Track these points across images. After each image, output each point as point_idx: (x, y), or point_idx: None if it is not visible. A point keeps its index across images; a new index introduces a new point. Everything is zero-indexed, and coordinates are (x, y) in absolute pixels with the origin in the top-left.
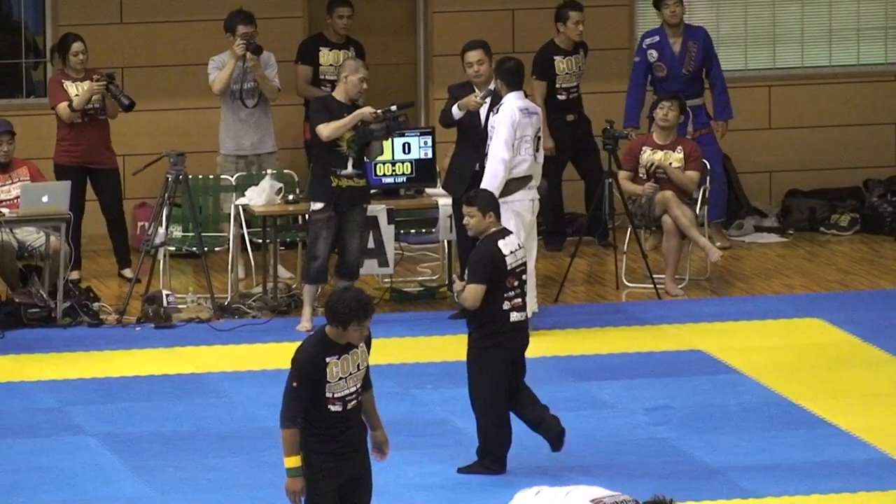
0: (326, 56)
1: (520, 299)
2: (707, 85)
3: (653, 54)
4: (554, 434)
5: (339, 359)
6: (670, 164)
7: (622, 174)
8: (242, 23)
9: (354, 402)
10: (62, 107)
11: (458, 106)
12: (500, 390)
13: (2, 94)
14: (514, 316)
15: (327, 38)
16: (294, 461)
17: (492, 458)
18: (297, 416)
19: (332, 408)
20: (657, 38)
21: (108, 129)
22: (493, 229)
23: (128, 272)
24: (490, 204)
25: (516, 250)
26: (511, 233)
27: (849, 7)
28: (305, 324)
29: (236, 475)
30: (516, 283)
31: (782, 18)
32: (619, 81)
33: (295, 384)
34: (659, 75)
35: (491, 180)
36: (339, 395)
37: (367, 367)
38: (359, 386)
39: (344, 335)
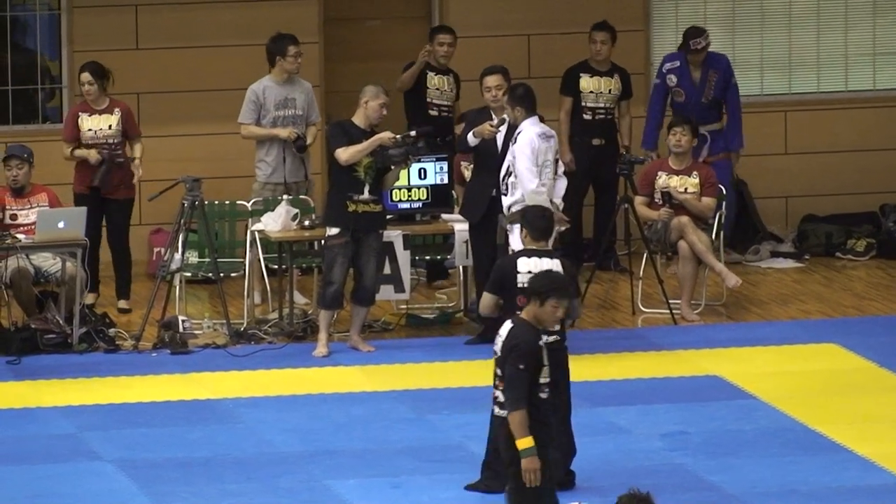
0: (433, 80)
1: None
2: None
3: (672, 79)
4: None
5: (544, 343)
6: (685, 189)
7: (638, 199)
8: (292, 42)
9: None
10: (64, 147)
11: (472, 133)
12: None
13: (18, 119)
14: None
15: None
16: (527, 441)
17: (490, 474)
18: (524, 399)
19: (542, 395)
20: (678, 63)
21: (125, 165)
22: (531, 246)
23: (123, 304)
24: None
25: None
26: (547, 257)
27: (865, 32)
28: (322, 349)
29: (252, 501)
30: None
31: (798, 43)
32: (636, 106)
33: (521, 367)
34: (677, 100)
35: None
36: (545, 381)
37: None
38: (549, 378)
39: (540, 313)
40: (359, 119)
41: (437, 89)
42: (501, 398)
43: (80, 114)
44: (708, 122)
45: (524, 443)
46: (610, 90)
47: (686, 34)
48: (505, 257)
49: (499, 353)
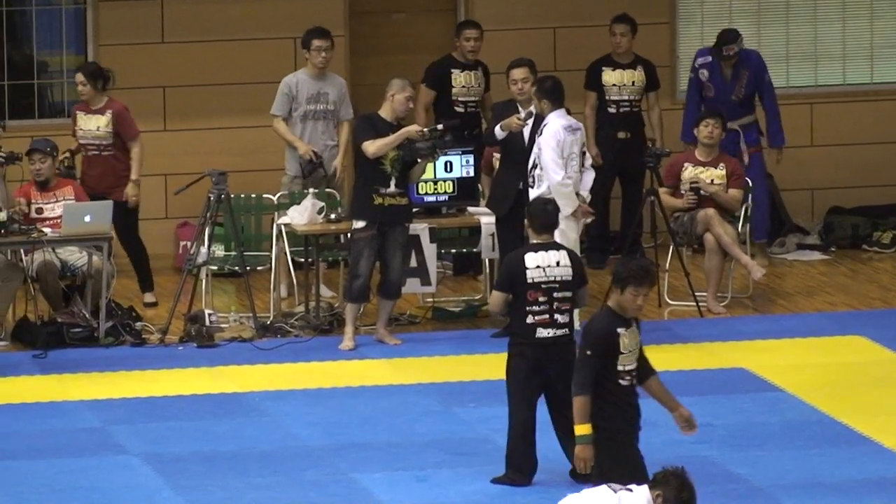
0: (459, 77)
1: (547, 316)
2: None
3: (704, 73)
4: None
5: (626, 331)
6: (712, 181)
7: (662, 190)
8: (317, 37)
9: (634, 380)
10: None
11: (500, 126)
12: (522, 402)
13: (43, 114)
14: (542, 332)
15: (457, 60)
16: (585, 429)
17: (514, 468)
18: (588, 385)
19: (622, 382)
20: (710, 59)
21: (114, 163)
22: (534, 240)
23: (148, 297)
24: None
25: (549, 267)
26: (553, 249)
27: (890, 24)
28: (348, 342)
29: (279, 494)
30: (542, 299)
31: (824, 36)
32: (662, 99)
33: (588, 353)
34: (707, 95)
35: (563, 206)
36: (628, 368)
37: (642, 348)
38: (635, 365)
39: (622, 301)
40: (385, 112)
41: (464, 86)
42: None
43: (77, 112)
44: (739, 117)
45: (581, 429)
46: (633, 82)
47: (719, 38)
48: (511, 254)
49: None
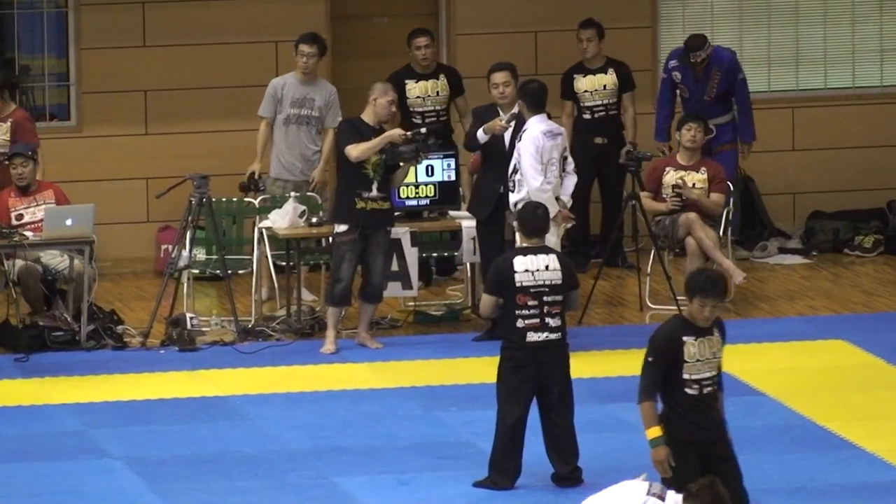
0: (413, 89)
1: (537, 320)
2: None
3: (677, 75)
4: (557, 474)
5: (696, 340)
6: (693, 185)
7: (644, 194)
8: (305, 42)
9: (711, 388)
10: None
11: (483, 130)
12: (511, 406)
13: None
14: (532, 336)
15: (413, 70)
16: (655, 431)
17: (497, 472)
18: (650, 391)
19: (689, 391)
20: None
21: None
22: (524, 244)
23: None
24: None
25: (538, 271)
26: (543, 253)
27: (872, 28)
28: (329, 346)
29: (260, 498)
30: (532, 303)
31: (805, 40)
32: (644, 102)
33: (651, 359)
34: (682, 96)
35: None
36: (696, 377)
37: (720, 361)
38: (714, 373)
39: (692, 310)
40: (368, 116)
41: (419, 97)
42: None
43: None
44: (715, 116)
45: (650, 433)
46: (605, 86)
47: (686, 44)
48: (500, 257)
49: None
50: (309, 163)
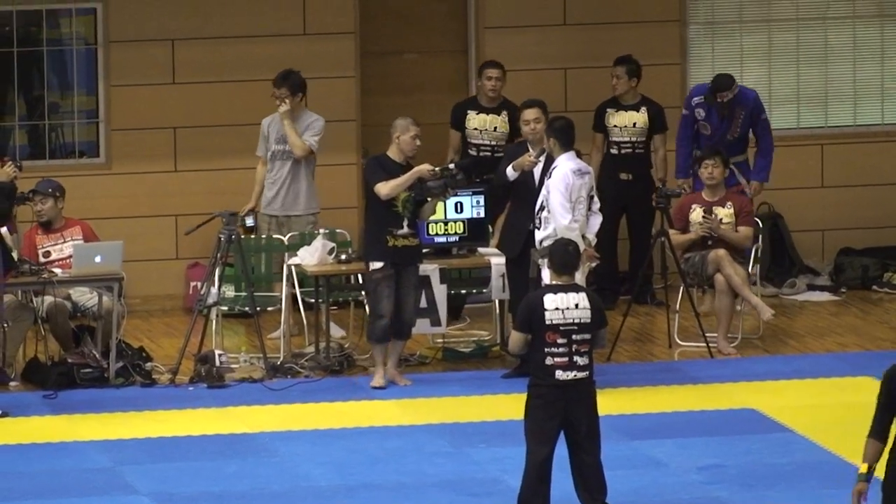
0: (473, 120)
1: (566, 358)
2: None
3: (700, 112)
4: None
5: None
6: (721, 220)
7: (673, 233)
8: (274, 83)
9: None
10: None
11: (512, 167)
12: (539, 443)
13: (55, 154)
14: (561, 374)
15: (477, 101)
16: (862, 467)
17: None
18: (876, 430)
19: None
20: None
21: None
22: (554, 281)
23: None
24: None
25: (567, 309)
26: (573, 291)
27: None
28: (379, 380)
29: None
30: (561, 341)
31: (834, 77)
32: (671, 140)
33: (879, 396)
34: (703, 132)
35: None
36: None
37: None
38: None
39: None
40: (393, 153)
41: (476, 129)
42: None
43: None
44: (733, 156)
45: (862, 467)
46: (635, 123)
47: (713, 84)
48: (531, 294)
49: None
50: (291, 199)
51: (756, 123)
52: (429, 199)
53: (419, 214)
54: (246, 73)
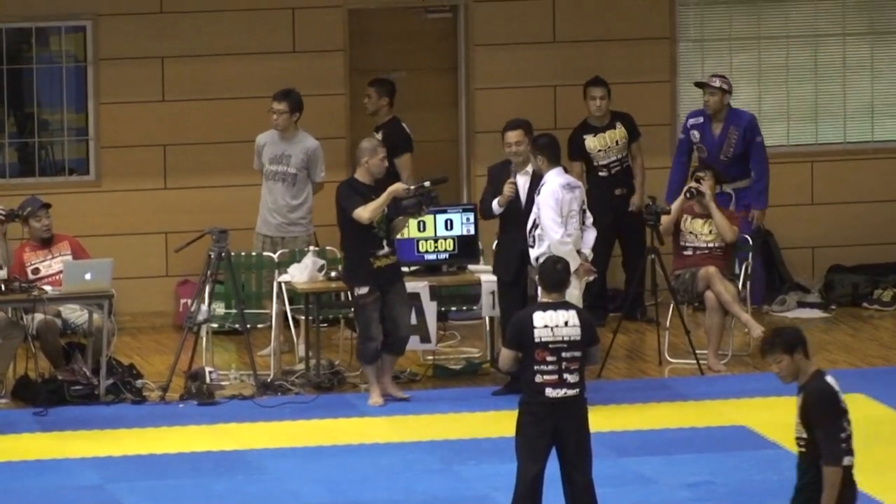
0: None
1: (556, 376)
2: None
3: (695, 135)
4: None
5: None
6: (710, 231)
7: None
8: (274, 98)
9: (803, 449)
10: None
11: (497, 203)
12: (530, 461)
13: (44, 172)
14: (551, 392)
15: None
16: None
17: None
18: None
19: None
20: (701, 119)
21: None
22: (544, 299)
23: None
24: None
25: (557, 327)
26: (562, 309)
27: (890, 83)
28: (377, 399)
29: None
30: (551, 359)
31: (824, 94)
32: (661, 157)
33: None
34: (700, 156)
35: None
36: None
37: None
38: (800, 434)
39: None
40: (362, 176)
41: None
42: None
43: None
44: (732, 180)
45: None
46: (617, 142)
47: (701, 83)
48: (520, 312)
49: None
50: (286, 219)
51: (751, 145)
52: (401, 216)
53: (390, 231)
54: (236, 90)
